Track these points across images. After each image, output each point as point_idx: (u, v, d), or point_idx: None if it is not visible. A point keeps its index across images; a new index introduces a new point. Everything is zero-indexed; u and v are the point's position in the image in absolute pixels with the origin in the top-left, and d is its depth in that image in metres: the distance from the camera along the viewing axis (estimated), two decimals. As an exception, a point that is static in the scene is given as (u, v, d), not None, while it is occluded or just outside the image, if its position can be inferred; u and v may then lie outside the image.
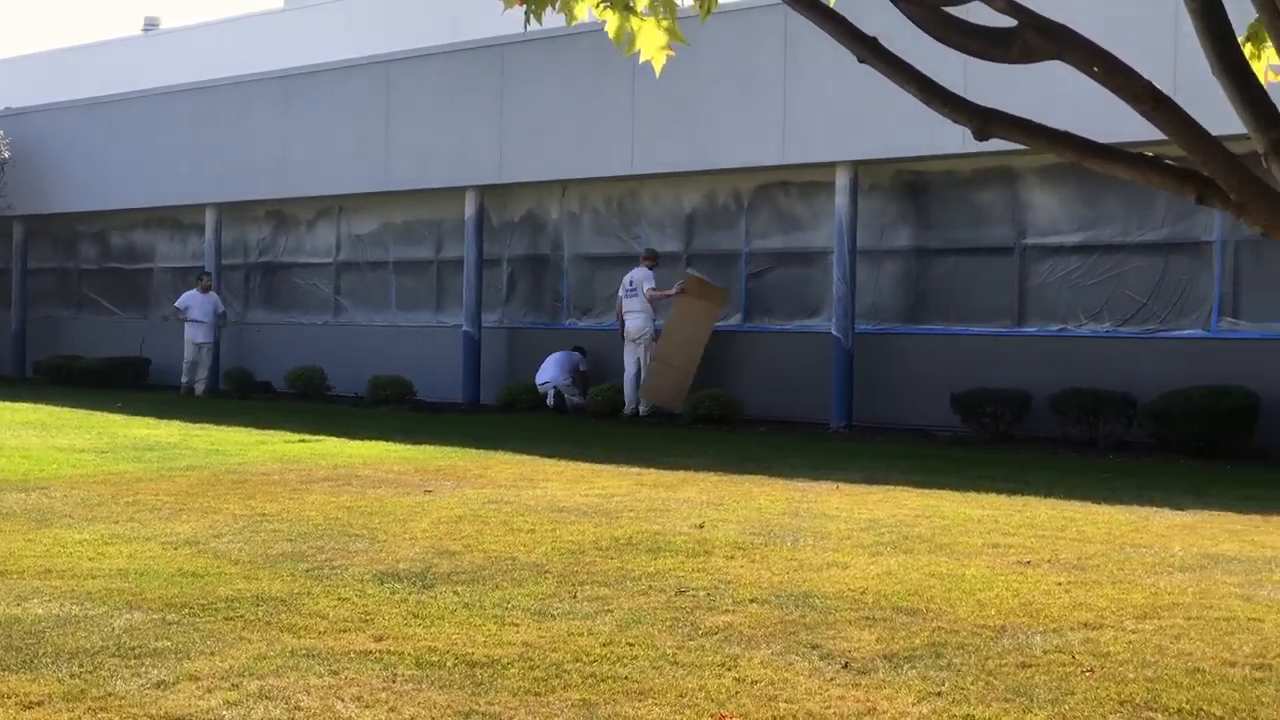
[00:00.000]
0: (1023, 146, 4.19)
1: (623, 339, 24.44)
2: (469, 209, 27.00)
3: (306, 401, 27.80)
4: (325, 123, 29.24)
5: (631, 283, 24.40)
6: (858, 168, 22.16)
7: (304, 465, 16.34)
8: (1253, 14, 4.31)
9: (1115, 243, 20.46)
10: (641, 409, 23.90)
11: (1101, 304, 20.55)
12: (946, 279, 21.95)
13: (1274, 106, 4.20)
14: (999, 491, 14.37)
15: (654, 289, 24.06)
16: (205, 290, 30.54)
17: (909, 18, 4.20)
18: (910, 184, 22.50)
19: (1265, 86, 4.41)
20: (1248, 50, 4.71)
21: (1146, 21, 17.98)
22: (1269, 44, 4.52)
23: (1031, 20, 4.08)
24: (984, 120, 4.05)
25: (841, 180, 22.14)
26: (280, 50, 37.35)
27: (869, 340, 22.27)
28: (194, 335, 30.32)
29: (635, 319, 24.28)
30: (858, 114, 21.09)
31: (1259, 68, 4.71)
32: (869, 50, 4.19)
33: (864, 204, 22.46)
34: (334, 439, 19.70)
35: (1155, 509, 13.22)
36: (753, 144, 22.94)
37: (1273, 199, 3.70)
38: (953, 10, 4.19)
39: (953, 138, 18.43)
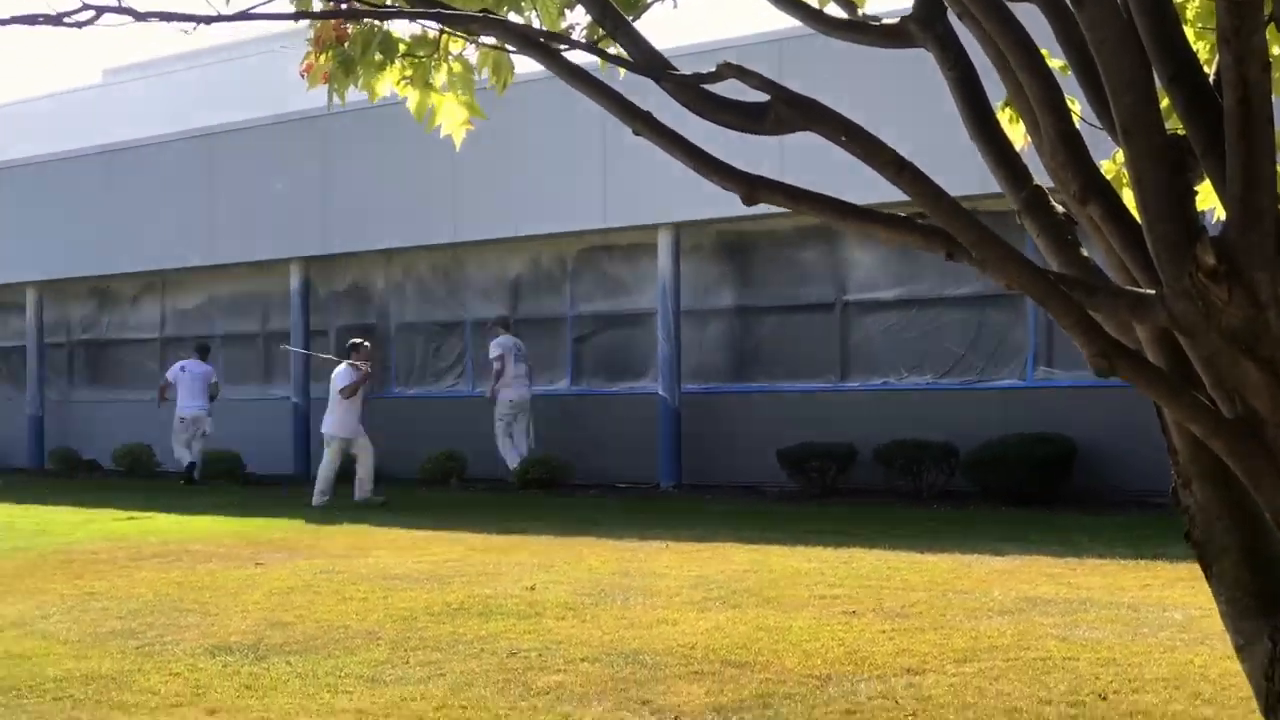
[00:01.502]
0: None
1: (496, 404, 23.72)
2: (294, 281, 26.95)
3: (135, 479, 27.50)
4: (148, 197, 29.01)
5: (519, 349, 23.85)
6: (679, 229, 22.41)
7: (133, 542, 16.21)
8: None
9: (932, 297, 20.88)
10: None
11: (922, 357, 20.95)
12: (770, 337, 22.25)
13: (1025, 167, 4.47)
14: (826, 544, 14.59)
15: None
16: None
17: (671, 95, 4.41)
18: (732, 244, 22.80)
19: (1021, 151, 4.69)
20: (1005, 115, 4.98)
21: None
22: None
23: (782, 94, 4.30)
24: (751, 186, 4.26)
25: (664, 242, 22.39)
26: (101, 126, 37.02)
27: (696, 399, 22.49)
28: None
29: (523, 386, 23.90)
30: (677, 176, 21.19)
31: (1016, 132, 4.98)
32: (643, 123, 4.38)
33: (686, 265, 22.72)
34: (164, 515, 19.54)
35: (977, 556, 13.52)
36: (575, 209, 23.14)
37: (1009, 254, 3.94)
38: (711, 87, 4.41)
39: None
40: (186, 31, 3.81)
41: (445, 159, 23.93)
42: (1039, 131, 4.29)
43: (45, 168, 31.40)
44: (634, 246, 23.51)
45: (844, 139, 4.21)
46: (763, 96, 4.31)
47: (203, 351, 27.08)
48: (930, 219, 3.99)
